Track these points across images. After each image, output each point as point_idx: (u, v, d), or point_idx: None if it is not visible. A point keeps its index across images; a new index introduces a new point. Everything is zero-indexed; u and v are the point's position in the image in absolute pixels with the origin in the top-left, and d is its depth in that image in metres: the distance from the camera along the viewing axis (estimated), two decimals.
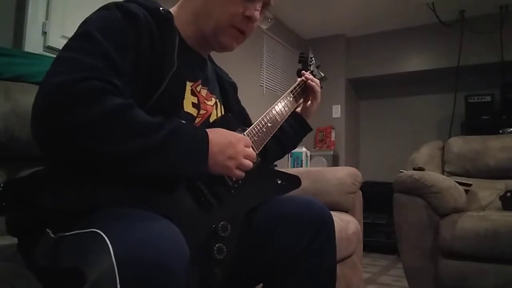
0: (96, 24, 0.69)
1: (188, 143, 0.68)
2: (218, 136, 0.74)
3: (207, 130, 0.73)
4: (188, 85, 0.85)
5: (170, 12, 0.82)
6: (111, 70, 0.66)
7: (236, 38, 0.88)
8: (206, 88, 0.90)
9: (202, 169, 0.70)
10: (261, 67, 3.63)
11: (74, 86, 0.59)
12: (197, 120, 0.85)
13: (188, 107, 0.83)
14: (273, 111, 1.00)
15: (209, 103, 0.89)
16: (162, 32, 0.77)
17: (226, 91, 1.00)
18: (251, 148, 0.81)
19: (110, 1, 0.76)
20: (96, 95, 0.60)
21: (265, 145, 0.96)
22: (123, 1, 0.77)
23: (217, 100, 0.93)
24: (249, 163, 0.78)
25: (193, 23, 0.87)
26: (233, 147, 0.75)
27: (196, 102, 0.85)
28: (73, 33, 0.70)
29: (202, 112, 0.86)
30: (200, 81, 0.89)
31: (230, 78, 1.07)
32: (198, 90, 0.87)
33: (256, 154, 0.90)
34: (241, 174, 0.78)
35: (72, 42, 0.68)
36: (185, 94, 0.83)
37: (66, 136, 0.58)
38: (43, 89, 0.61)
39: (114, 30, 0.70)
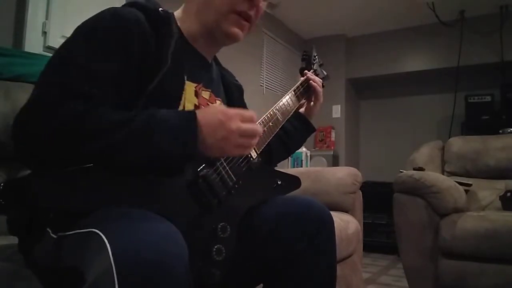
0: (83, 30, 0.72)
1: (173, 122, 0.65)
2: (207, 115, 0.68)
3: (198, 110, 0.69)
4: (192, 86, 0.84)
5: (169, 13, 0.82)
6: (88, 80, 0.67)
7: (241, 25, 0.85)
8: (209, 90, 0.90)
9: (192, 150, 0.66)
10: (261, 67, 3.63)
11: (44, 104, 0.64)
12: None
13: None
14: (274, 110, 0.99)
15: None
16: (158, 32, 0.76)
17: (232, 94, 0.99)
18: (250, 123, 0.71)
19: (110, 2, 0.76)
20: (56, 108, 0.63)
21: (270, 147, 0.95)
22: (122, 6, 0.77)
23: (222, 103, 0.93)
24: (249, 142, 0.71)
25: (196, 20, 0.86)
26: (224, 127, 0.67)
27: (198, 104, 0.85)
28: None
29: None
30: (202, 83, 0.88)
31: (237, 80, 1.06)
32: (201, 92, 0.87)
33: (257, 154, 0.90)
34: (242, 152, 0.74)
35: (57, 52, 0.73)
36: (189, 95, 0.82)
37: (35, 147, 0.64)
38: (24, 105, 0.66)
39: (100, 38, 0.71)
